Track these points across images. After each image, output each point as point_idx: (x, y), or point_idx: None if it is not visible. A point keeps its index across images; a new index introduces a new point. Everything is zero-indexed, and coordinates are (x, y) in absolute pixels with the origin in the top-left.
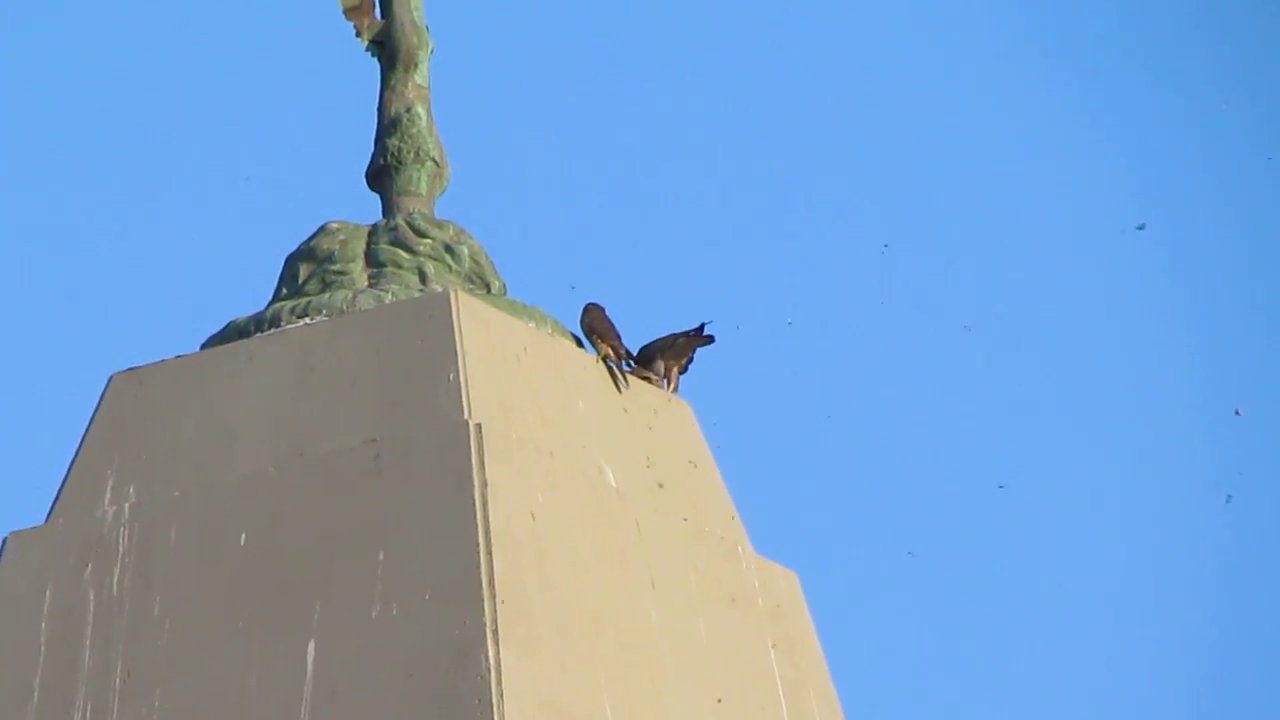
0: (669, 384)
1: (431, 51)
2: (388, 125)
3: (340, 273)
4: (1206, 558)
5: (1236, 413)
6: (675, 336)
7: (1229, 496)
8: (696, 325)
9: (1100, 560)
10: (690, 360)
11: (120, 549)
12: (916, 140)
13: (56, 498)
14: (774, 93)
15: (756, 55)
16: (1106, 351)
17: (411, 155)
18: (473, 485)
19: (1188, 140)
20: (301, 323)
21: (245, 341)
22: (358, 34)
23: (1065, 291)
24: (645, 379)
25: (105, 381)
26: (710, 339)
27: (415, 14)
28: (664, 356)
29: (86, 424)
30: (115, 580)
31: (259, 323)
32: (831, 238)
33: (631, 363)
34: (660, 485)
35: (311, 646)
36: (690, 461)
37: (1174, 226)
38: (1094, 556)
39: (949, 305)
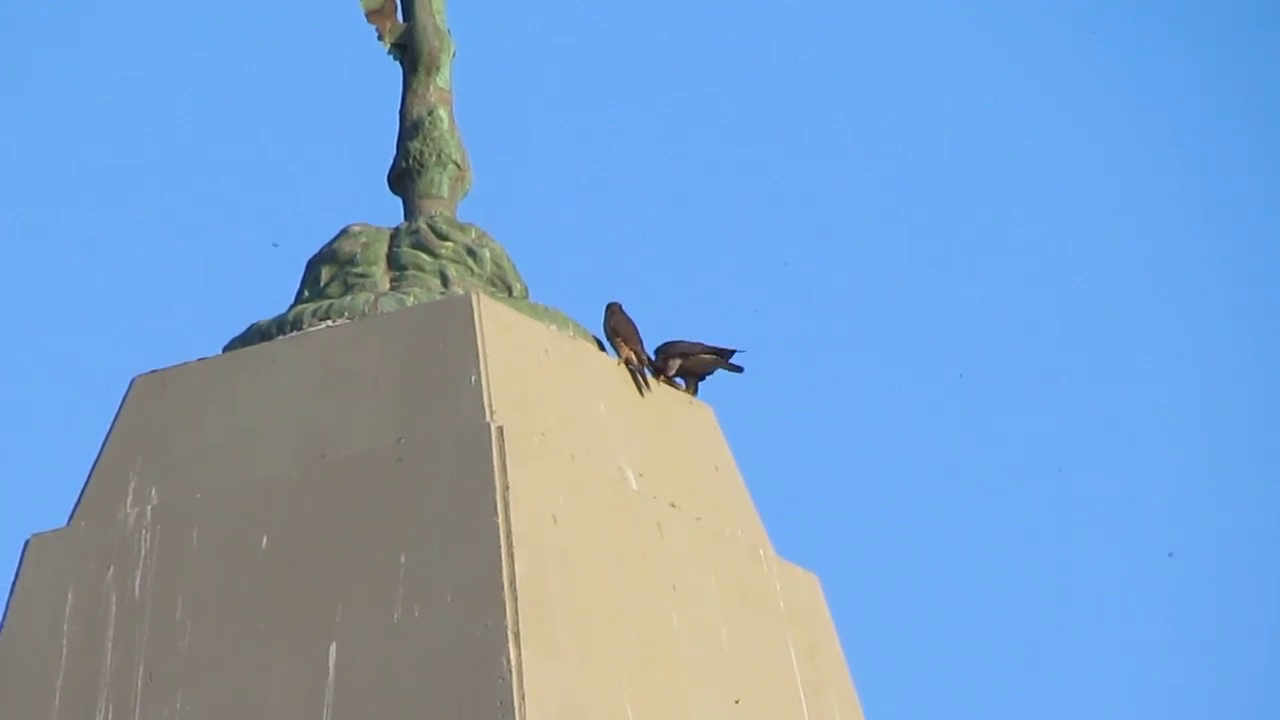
0: (687, 387)
1: (453, 55)
2: (410, 128)
3: (362, 275)
4: (1213, 560)
5: None
6: (703, 348)
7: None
8: (729, 349)
9: (1118, 563)
10: (710, 373)
11: (142, 551)
12: (936, 139)
13: (78, 500)
14: (798, 93)
15: (779, 55)
16: (1129, 351)
17: (433, 158)
18: (494, 488)
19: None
20: (323, 325)
21: (267, 344)
22: (380, 37)
23: (1078, 292)
24: (670, 383)
25: (127, 384)
26: (739, 369)
27: (437, 17)
28: (685, 362)
29: (109, 426)
30: (137, 583)
31: (281, 325)
32: (856, 239)
33: (656, 370)
34: (682, 488)
35: (333, 649)
36: (712, 464)
37: (1231, 224)
38: (1113, 561)
39: (973, 307)
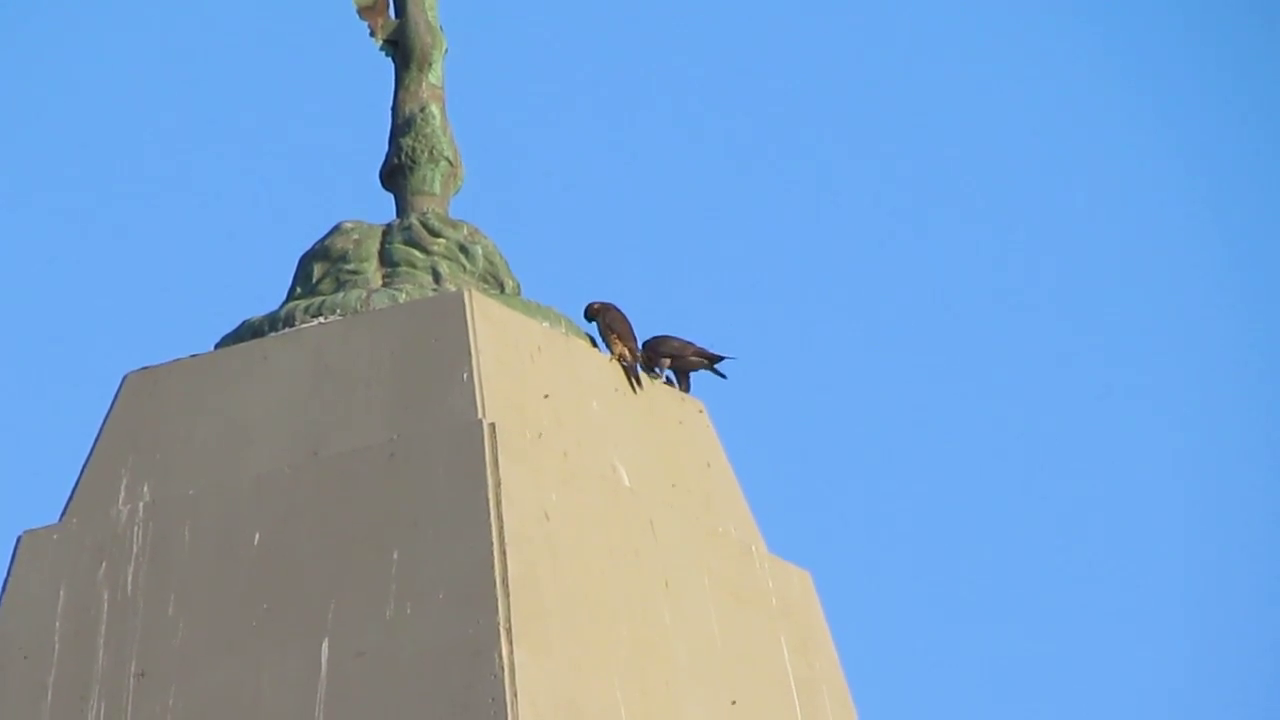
0: (679, 383)
1: (446, 51)
2: (402, 125)
3: (354, 272)
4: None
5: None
6: (692, 348)
7: None
8: (716, 354)
9: (1114, 558)
10: (697, 370)
11: (134, 548)
12: (933, 139)
13: (71, 497)
14: (792, 89)
15: (774, 52)
16: (1129, 347)
17: (426, 155)
18: (486, 485)
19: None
20: (316, 322)
21: (259, 341)
22: (372, 34)
23: (1076, 286)
24: (668, 383)
25: (119, 381)
26: (722, 375)
27: (430, 14)
28: (673, 362)
29: (101, 423)
30: (129, 579)
31: (273, 322)
32: (847, 236)
33: (656, 369)
34: (674, 485)
35: (325, 645)
36: (704, 461)
37: (1238, 218)
38: (1109, 555)
39: (965, 304)
